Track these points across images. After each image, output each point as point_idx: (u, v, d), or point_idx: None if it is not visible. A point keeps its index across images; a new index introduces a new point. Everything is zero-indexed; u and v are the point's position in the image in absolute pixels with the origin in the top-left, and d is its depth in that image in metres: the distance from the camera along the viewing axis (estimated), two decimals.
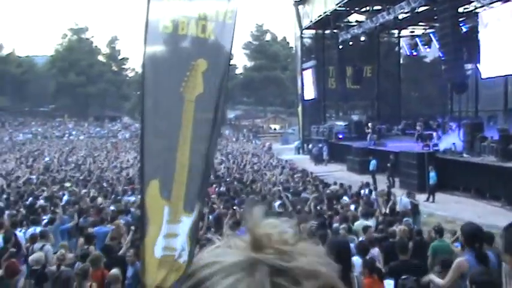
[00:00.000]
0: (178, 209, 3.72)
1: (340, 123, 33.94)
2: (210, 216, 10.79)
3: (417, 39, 34.96)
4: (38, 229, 9.86)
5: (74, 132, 72.40)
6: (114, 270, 6.78)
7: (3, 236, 9.02)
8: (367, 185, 17.67)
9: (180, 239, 3.70)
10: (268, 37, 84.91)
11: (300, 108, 42.69)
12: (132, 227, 9.22)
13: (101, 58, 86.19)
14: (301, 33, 40.39)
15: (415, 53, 36.43)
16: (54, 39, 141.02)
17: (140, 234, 3.77)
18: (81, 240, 9.49)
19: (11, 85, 79.67)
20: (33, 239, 9.02)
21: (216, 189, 16.42)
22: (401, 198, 13.75)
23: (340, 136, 31.30)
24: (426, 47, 33.71)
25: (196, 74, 3.65)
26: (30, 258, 7.95)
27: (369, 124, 28.75)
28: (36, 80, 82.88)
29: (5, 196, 15.35)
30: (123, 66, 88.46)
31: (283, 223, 0.84)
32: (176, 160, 3.65)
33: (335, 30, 35.12)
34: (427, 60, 39.97)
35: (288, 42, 79.63)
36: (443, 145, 21.55)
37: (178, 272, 3.74)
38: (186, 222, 3.73)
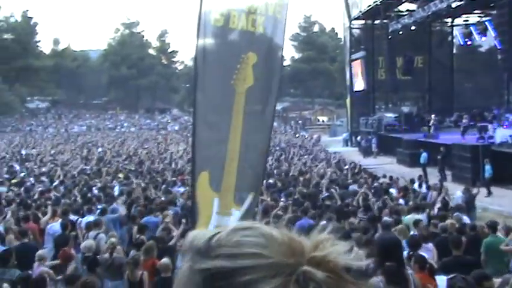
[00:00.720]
0: (228, 201, 3.76)
1: (390, 115, 33.28)
2: (257, 208, 10.83)
3: (471, 27, 33.74)
4: (92, 218, 10.23)
5: (125, 124, 74.37)
6: (165, 260, 6.94)
7: (61, 223, 9.41)
8: (419, 178, 17.27)
9: None
10: (316, 28, 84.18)
11: (348, 100, 42.15)
12: (184, 219, 9.43)
13: (151, 51, 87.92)
14: (350, 23, 39.81)
15: (469, 43, 35.18)
16: (108, 34, 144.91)
17: (190, 225, 3.84)
18: (135, 229, 9.74)
19: (67, 78, 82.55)
20: (88, 227, 9.35)
21: (264, 181, 16.44)
22: (457, 193, 13.38)
23: (395, 127, 30.64)
24: (481, 36, 32.47)
25: (246, 66, 3.67)
26: (82, 245, 8.26)
27: (432, 116, 27.93)
28: (90, 74, 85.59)
29: (62, 185, 15.95)
30: (173, 59, 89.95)
31: (358, 254, 0.77)
32: (226, 152, 3.68)
33: (385, 20, 34.38)
34: (482, 49, 38.52)
35: (336, 33, 78.75)
36: (499, 137, 20.78)
37: None
38: (237, 215, 3.76)
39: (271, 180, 16.78)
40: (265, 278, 0.71)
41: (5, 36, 76.75)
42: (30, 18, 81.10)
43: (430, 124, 27.55)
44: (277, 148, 33.35)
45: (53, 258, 8.27)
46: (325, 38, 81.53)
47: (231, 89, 3.71)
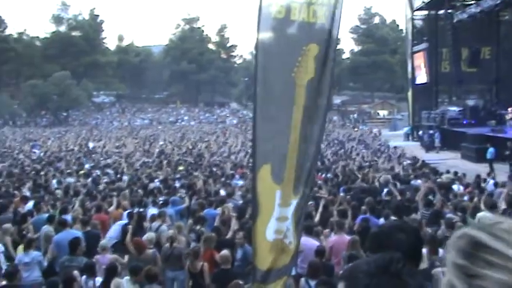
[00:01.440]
0: (289, 193, 3.76)
1: (454, 108, 32.04)
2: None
3: None
4: (154, 210, 10.52)
5: (185, 118, 75.87)
6: (225, 251, 7.02)
7: (127, 214, 9.75)
8: (488, 174, 16.57)
9: (288, 221, 3.74)
10: (376, 20, 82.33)
11: (410, 93, 41.00)
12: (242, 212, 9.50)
13: (211, 46, 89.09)
14: (413, 14, 38.63)
15: None
16: (169, 29, 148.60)
17: (252, 218, 3.85)
18: (190, 221, 9.93)
19: (130, 73, 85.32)
20: (152, 218, 9.63)
21: (323, 175, 16.31)
22: None
23: (459, 120, 29.47)
24: None
25: (307, 58, 3.64)
26: (144, 237, 8.48)
27: (509, 109, 26.55)
28: (152, 69, 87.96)
29: (125, 177, 16.48)
30: (232, 54, 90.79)
31: None
32: (287, 145, 3.68)
33: (449, 10, 33.06)
34: None
35: (397, 25, 76.64)
36: None
37: (286, 253, 3.80)
38: (294, 204, 3.76)
39: (329, 175, 16.61)
40: None
41: (74, 33, 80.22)
42: (97, 16, 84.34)
43: (509, 118, 25.99)
44: (336, 142, 32.97)
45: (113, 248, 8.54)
46: (386, 30, 79.57)
47: (292, 81, 3.69)
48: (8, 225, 9.01)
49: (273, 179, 3.68)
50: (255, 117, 3.68)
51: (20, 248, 8.18)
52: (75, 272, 6.09)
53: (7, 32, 77.83)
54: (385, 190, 12.83)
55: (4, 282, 6.29)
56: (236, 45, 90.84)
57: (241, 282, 5.94)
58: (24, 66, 75.34)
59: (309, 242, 7.32)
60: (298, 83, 3.62)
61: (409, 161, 21.83)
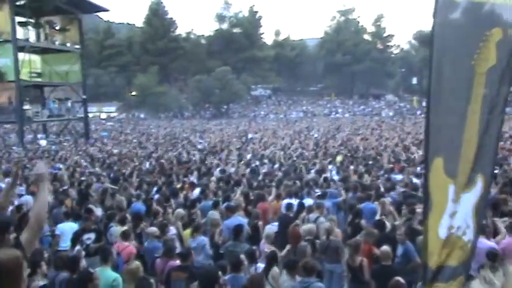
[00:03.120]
0: (462, 187, 3.48)
1: None
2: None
3: None
4: (310, 201, 10.60)
5: (339, 110, 75.52)
6: (386, 247, 6.80)
7: (286, 205, 10.00)
8: None
9: (459, 216, 3.47)
10: None
11: None
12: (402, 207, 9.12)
13: (366, 37, 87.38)
14: None
15: None
16: (324, 22, 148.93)
17: (423, 214, 3.64)
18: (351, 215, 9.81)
19: (286, 67, 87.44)
20: (309, 210, 9.72)
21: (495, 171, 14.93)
22: None
23: None
24: None
25: (489, 44, 3.31)
26: (303, 228, 8.57)
27: None
28: (307, 62, 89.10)
29: (282, 168, 16.91)
30: (388, 44, 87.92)
31: None
32: (462, 136, 3.40)
33: None
34: None
35: None
36: None
37: (464, 251, 3.53)
38: (466, 197, 3.47)
39: (496, 171, 15.18)
40: None
41: (235, 30, 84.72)
42: (256, 12, 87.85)
43: None
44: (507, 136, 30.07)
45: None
46: None
47: (471, 69, 3.39)
48: (180, 210, 9.82)
49: (445, 173, 3.44)
50: (428, 108, 3.46)
51: (187, 232, 8.82)
52: (242, 256, 6.39)
53: (177, 32, 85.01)
54: None
55: (178, 262, 6.85)
56: (393, 35, 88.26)
57: (402, 280, 5.71)
58: (191, 62, 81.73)
59: (482, 243, 6.75)
60: (478, 71, 3.31)
61: None
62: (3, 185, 11.52)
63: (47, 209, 3.21)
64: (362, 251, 7.40)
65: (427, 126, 3.47)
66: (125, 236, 7.84)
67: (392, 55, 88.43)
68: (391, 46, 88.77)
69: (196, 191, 12.22)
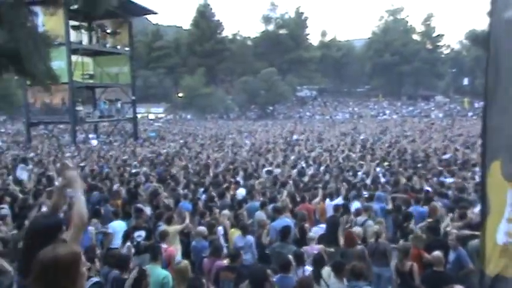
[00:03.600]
0: None
1: None
2: None
3: None
4: (358, 204, 10.48)
5: (387, 112, 74.22)
6: (438, 252, 6.61)
7: (334, 206, 9.92)
8: None
9: None
10: None
11: None
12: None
13: (415, 37, 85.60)
14: None
15: None
16: (372, 22, 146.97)
17: (481, 218, 3.51)
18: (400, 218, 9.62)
19: (332, 68, 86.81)
20: (357, 213, 9.60)
21: None
22: None
23: None
24: None
25: None
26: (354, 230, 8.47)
27: None
28: (354, 62, 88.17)
29: (328, 170, 16.77)
30: (438, 44, 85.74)
31: None
32: None
33: None
34: None
35: None
36: None
37: None
38: None
39: None
40: None
41: (281, 31, 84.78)
42: (302, 13, 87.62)
43: None
44: None
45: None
46: None
47: None
48: (226, 211, 9.89)
49: (504, 176, 3.29)
50: (485, 109, 3.33)
51: (233, 231, 8.87)
52: (290, 257, 6.38)
53: (223, 33, 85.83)
54: None
55: (226, 262, 6.90)
56: (443, 35, 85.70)
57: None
58: (237, 64, 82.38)
59: None
60: None
61: None
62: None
63: (85, 207, 3.31)
64: (412, 254, 7.24)
65: (484, 128, 3.34)
66: (162, 236, 7.92)
67: (442, 55, 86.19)
68: (441, 46, 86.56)
69: (242, 191, 12.29)
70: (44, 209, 9.89)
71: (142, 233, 8.50)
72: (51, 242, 2.69)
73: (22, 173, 16.38)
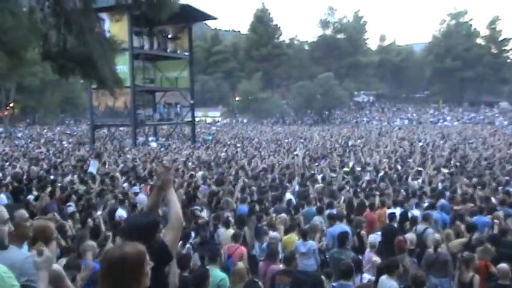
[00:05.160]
0: None
1: None
2: None
3: None
4: (418, 212, 10.23)
5: (448, 118, 71.91)
6: (504, 265, 6.35)
7: (389, 214, 9.74)
8: None
9: None
10: None
11: None
12: None
13: (479, 41, 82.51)
14: None
15: None
16: (433, 26, 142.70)
17: None
18: (461, 226, 9.30)
19: (390, 73, 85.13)
20: (414, 221, 9.40)
21: None
22: None
23: None
24: None
25: None
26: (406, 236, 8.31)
27: None
28: (413, 67, 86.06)
29: (386, 177, 16.44)
30: (504, 48, 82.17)
31: None
32: None
33: None
34: None
35: None
36: None
37: None
38: None
39: None
40: None
41: (338, 36, 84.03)
42: (361, 17, 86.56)
43: None
44: None
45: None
46: None
47: None
48: (283, 215, 9.91)
49: None
50: None
51: (289, 236, 8.84)
52: (349, 261, 6.33)
53: (281, 38, 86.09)
54: None
55: (280, 266, 6.94)
56: (510, 39, 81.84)
57: None
58: (294, 68, 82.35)
59: None
60: None
61: None
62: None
63: (180, 209, 3.44)
64: (478, 267, 7.00)
65: None
66: (235, 238, 8.10)
67: (509, 60, 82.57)
68: (507, 50, 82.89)
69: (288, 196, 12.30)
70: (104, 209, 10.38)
71: (192, 234, 8.72)
72: (149, 240, 2.81)
73: (94, 168, 17.17)
